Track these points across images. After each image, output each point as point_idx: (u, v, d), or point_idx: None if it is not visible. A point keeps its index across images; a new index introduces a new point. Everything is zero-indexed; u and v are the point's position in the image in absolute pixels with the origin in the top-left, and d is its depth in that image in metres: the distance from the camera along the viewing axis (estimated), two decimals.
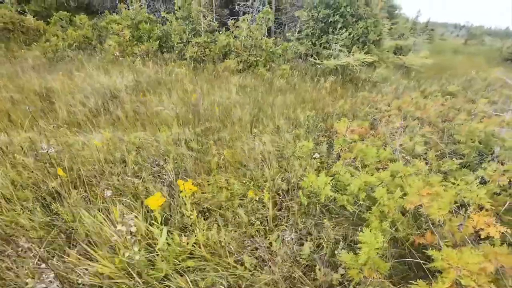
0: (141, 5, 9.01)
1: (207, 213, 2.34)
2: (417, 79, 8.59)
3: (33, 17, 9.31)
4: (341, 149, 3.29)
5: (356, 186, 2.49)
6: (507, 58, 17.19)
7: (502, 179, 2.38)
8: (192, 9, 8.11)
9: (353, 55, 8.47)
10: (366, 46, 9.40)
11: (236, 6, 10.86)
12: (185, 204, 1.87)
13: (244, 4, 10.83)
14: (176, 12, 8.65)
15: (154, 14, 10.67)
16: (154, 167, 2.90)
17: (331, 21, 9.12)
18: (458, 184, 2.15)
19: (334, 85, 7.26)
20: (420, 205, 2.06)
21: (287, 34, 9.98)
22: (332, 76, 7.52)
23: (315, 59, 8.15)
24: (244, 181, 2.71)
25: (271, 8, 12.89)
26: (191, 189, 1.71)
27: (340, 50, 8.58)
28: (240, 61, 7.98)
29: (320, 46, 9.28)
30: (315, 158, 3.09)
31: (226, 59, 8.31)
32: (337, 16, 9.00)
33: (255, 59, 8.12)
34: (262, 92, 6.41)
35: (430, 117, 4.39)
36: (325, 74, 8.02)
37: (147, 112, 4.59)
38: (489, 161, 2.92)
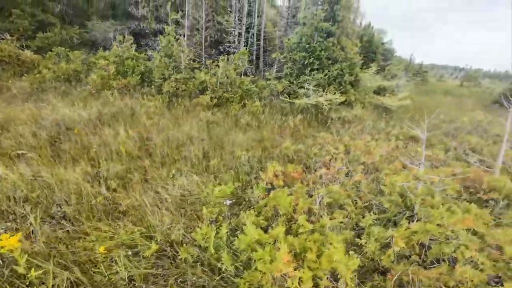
0: (131, 44, 9.77)
1: (68, 268, 2.13)
2: (387, 120, 8.60)
3: (35, 52, 10.16)
4: (259, 196, 3.12)
5: (244, 244, 2.28)
6: (495, 100, 17.35)
7: (398, 243, 2.14)
8: (174, 49, 8.71)
9: (326, 94, 8.68)
10: (342, 87, 9.68)
11: (221, 47, 11.65)
12: (17, 261, 1.70)
13: (230, 45, 11.64)
14: (160, 50, 9.29)
15: (147, 52, 11.51)
16: (52, 208, 2.77)
17: (307, 63, 9.58)
18: (336, 248, 1.94)
19: (302, 123, 7.30)
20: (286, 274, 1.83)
21: (265, 74, 10.46)
22: (301, 115, 7.61)
23: (286, 98, 8.37)
24: (133, 230, 2.53)
25: (259, 49, 13.80)
26: (12, 246, 1.57)
27: (315, 90, 8.83)
28: (215, 97, 8.26)
29: (297, 85, 9.61)
30: (225, 205, 2.92)
31: (203, 94, 8.63)
32: (313, 58, 9.47)
33: (230, 95, 8.40)
34: (226, 128, 6.47)
35: (375, 162, 4.24)
36: (297, 112, 8.14)
37: (91, 146, 4.61)
38: (406, 219, 2.69)
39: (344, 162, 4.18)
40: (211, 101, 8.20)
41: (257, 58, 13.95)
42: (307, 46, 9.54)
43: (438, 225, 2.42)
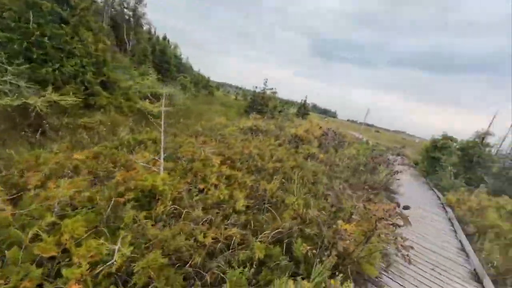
0: None
1: None
2: (142, 124, 8.32)
3: None
4: None
5: None
6: (246, 110, 24.69)
7: None
8: None
9: (50, 94, 6.57)
10: (85, 87, 8.01)
11: None
12: None
13: None
14: None
15: None
16: None
17: (17, 48, 6.78)
18: None
19: None
20: None
21: None
22: None
23: None
24: None
25: None
26: None
27: (29, 87, 6.36)
28: None
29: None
30: None
31: None
32: (27, 43, 6.87)
33: None
34: None
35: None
36: None
37: None
38: None
39: None
40: None
41: None
42: (13, 24, 6.73)
43: None
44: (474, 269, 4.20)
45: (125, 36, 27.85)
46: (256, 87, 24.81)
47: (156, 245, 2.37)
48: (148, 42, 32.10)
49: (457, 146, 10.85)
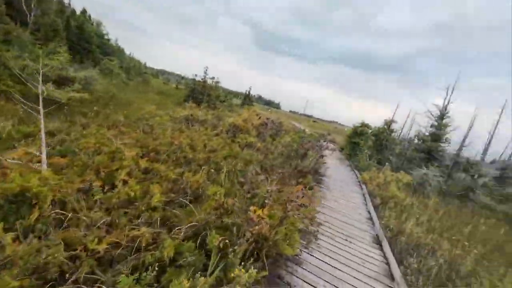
0: None
1: None
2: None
3: None
4: None
5: None
6: (185, 99, 23.23)
7: None
8: None
9: None
10: None
11: None
12: None
13: None
14: None
15: None
16: None
17: None
18: None
19: None
20: None
21: None
22: None
23: None
24: None
25: None
26: None
27: None
28: None
29: None
30: None
31: None
32: None
33: None
34: None
35: None
36: None
37: None
38: None
39: None
40: None
41: None
42: None
43: None
44: (376, 234, 4.93)
45: (23, 5, 22.02)
46: (196, 75, 23.47)
47: (14, 263, 1.80)
48: (59, 15, 26.25)
49: (372, 132, 12.75)
